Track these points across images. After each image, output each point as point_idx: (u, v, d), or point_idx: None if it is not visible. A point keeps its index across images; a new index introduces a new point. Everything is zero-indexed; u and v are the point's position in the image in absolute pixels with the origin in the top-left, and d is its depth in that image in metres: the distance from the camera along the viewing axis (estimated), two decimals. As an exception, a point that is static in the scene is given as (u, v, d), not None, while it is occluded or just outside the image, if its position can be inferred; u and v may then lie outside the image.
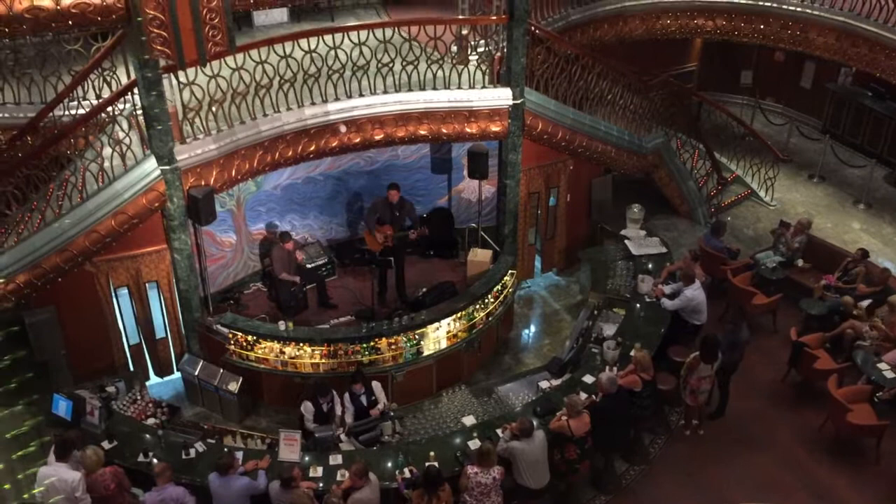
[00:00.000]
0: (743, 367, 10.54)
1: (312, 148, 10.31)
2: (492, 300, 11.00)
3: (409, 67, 10.38)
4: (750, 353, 10.73)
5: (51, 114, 9.54)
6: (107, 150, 9.38)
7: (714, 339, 9.95)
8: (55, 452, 8.08)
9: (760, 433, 10.41)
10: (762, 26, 14.21)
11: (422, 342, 10.41)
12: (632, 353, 9.92)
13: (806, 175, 15.52)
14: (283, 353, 10.20)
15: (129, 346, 10.45)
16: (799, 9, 13.74)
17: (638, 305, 11.15)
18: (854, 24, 13.15)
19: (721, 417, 10.58)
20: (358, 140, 10.53)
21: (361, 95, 10.37)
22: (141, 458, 8.83)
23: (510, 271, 11.38)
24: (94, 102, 9.78)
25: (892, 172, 15.38)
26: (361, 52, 10.13)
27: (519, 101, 10.75)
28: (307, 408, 9.60)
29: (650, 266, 11.90)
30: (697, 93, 15.86)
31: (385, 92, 10.43)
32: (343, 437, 9.47)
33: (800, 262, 12.58)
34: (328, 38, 10.08)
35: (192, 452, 8.93)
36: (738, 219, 14.41)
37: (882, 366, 10.58)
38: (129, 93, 9.38)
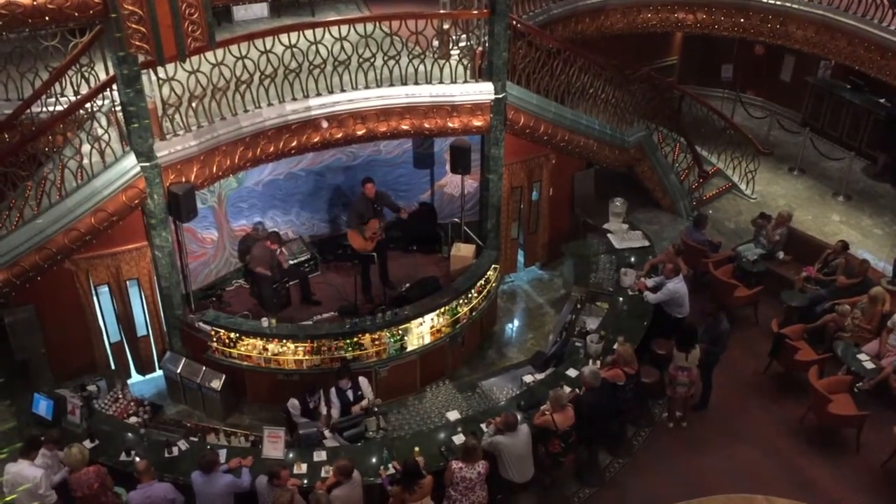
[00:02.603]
0: (725, 359, 10.60)
1: (294, 143, 10.26)
2: (475, 295, 11.00)
3: (391, 62, 10.33)
4: (732, 345, 10.80)
5: (28, 110, 9.42)
6: (86, 147, 9.29)
7: (691, 328, 10.00)
8: (20, 450, 8.05)
9: (743, 424, 10.50)
10: (742, 20, 14.27)
11: (405, 337, 10.40)
12: (615, 347, 9.94)
13: (786, 168, 15.61)
14: (266, 349, 10.15)
15: (111, 345, 10.38)
16: (779, 2, 13.81)
17: (621, 299, 11.19)
18: (833, 17, 13.23)
19: (704, 409, 10.64)
20: (340, 135, 10.48)
21: (343, 90, 10.31)
22: (123, 456, 8.77)
23: (493, 266, 11.38)
24: (73, 99, 9.66)
25: (870, 165, 15.52)
26: (342, 47, 10.08)
27: (501, 96, 10.74)
28: (293, 404, 9.58)
29: (633, 259, 11.94)
30: (678, 86, 15.92)
31: (367, 87, 10.39)
32: (327, 433, 9.45)
33: (780, 255, 12.67)
34: (309, 32, 10.00)
35: (175, 451, 8.88)
36: (720, 212, 14.48)
37: (862, 356, 10.70)
38: (108, 89, 9.28)
